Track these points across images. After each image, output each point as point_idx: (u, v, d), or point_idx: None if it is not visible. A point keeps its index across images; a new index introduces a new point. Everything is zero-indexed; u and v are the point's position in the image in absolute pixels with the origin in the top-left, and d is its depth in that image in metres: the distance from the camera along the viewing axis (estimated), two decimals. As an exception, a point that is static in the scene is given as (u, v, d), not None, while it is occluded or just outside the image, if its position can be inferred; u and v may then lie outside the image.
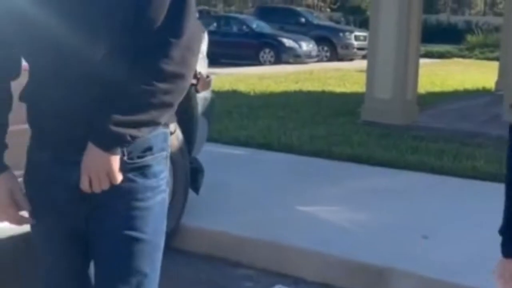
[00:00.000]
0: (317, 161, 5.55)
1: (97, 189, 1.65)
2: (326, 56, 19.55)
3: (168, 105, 1.65)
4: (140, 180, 1.71)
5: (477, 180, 4.95)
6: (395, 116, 7.12)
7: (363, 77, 9.52)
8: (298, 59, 17.51)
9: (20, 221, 1.79)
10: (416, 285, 3.27)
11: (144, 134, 1.65)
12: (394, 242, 3.68)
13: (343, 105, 8.63)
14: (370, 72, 7.51)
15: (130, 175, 1.69)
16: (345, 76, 13.60)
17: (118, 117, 1.60)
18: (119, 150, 1.65)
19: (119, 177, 1.66)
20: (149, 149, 1.71)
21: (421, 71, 7.97)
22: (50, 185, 1.73)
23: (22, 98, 1.74)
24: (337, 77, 13.24)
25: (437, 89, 11.24)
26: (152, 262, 1.77)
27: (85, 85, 1.63)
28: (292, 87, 10.91)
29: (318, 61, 18.32)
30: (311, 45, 18.38)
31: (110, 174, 1.64)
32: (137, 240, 1.72)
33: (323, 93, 10.42)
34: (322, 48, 19.47)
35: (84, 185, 1.66)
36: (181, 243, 3.76)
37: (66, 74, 1.63)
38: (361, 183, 4.97)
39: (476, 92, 11.11)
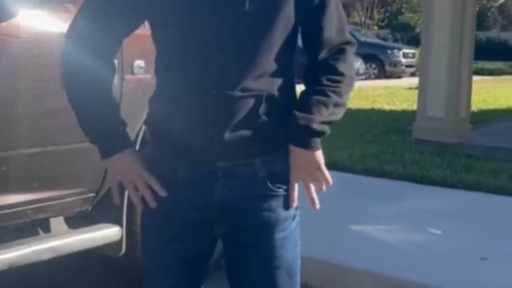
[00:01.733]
0: (370, 180, 5.50)
1: (314, 192, 1.72)
2: (374, 74, 19.42)
3: (345, 105, 1.71)
4: (280, 211, 1.72)
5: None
6: (447, 134, 7.01)
7: (412, 94, 9.45)
8: (346, 76, 17.39)
9: (149, 195, 1.71)
10: (476, 308, 3.20)
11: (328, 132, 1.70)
12: (452, 263, 3.61)
13: (393, 123, 8.55)
14: (422, 89, 7.42)
15: (273, 205, 1.70)
16: (394, 93, 13.48)
17: (319, 116, 1.64)
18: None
19: (328, 175, 1.73)
20: (284, 182, 1.72)
21: (473, 88, 7.85)
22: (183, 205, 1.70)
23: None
24: (386, 95, 13.13)
25: (489, 106, 11.04)
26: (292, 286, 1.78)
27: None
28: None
29: (365, 79, 18.22)
30: (358, 63, 18.28)
31: (321, 171, 1.71)
32: (279, 267, 1.73)
33: (372, 110, 10.35)
34: (370, 66, 19.37)
35: (293, 196, 1.71)
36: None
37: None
38: (415, 202, 4.89)
39: (529, 110, 10.86)
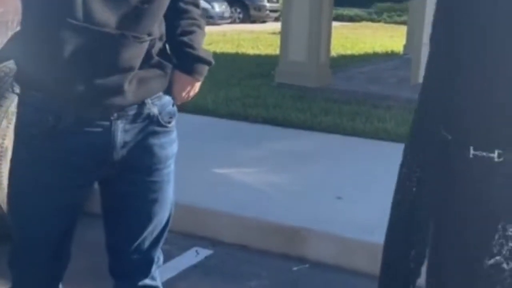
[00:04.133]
0: (233, 123, 5.55)
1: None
2: (238, 18, 19.45)
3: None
4: (169, 148, 1.84)
5: (388, 142, 5.10)
6: (308, 79, 7.20)
7: (276, 39, 9.56)
8: (211, 20, 17.31)
9: None
10: (331, 244, 3.35)
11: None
12: (310, 203, 3.75)
13: (257, 67, 8.64)
14: (284, 34, 7.54)
15: (163, 141, 1.81)
16: (259, 38, 13.60)
17: (199, 45, 1.84)
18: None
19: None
20: (174, 114, 1.85)
21: (332, 34, 8.07)
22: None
23: None
24: (250, 39, 13.22)
25: (348, 52, 11.44)
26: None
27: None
28: (205, 48, 10.80)
29: (231, 23, 18.21)
30: (223, 6, 18.22)
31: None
32: (162, 202, 1.85)
33: (237, 55, 10.38)
34: (235, 10, 19.36)
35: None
36: (89, 207, 3.68)
37: None
38: (276, 145, 5.01)
39: (386, 55, 11.38)
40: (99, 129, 1.68)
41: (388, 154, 5.08)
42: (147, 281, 1.93)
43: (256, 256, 3.42)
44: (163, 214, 1.87)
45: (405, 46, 11.03)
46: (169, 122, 1.81)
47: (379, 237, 3.35)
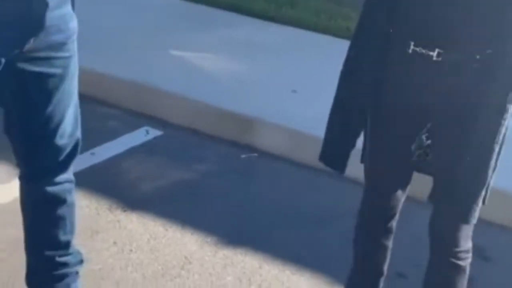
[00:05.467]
0: (195, 6, 5.39)
1: None
2: None
3: None
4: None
5: (349, 40, 5.04)
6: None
7: None
8: None
9: None
10: (282, 136, 3.36)
11: None
12: (264, 94, 3.72)
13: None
14: None
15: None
16: None
17: None
18: None
19: None
20: None
21: None
22: None
23: None
24: None
25: None
26: None
27: None
28: None
29: None
30: None
31: None
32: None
33: None
34: None
35: None
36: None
37: None
38: (236, 33, 4.90)
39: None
40: None
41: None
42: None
43: (205, 141, 3.42)
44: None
45: None
46: None
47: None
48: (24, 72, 1.75)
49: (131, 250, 2.54)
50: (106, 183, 2.94)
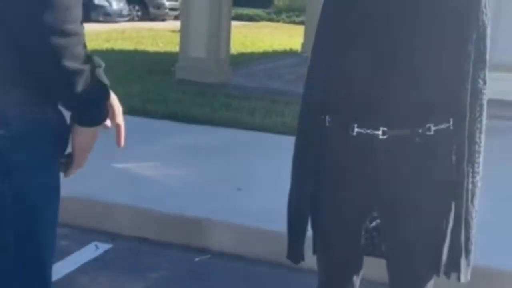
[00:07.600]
0: (133, 119, 5.48)
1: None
2: (137, 16, 19.23)
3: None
4: None
5: (286, 135, 5.20)
6: (209, 75, 7.23)
7: (176, 37, 9.51)
8: (109, 17, 17.05)
9: None
10: (232, 234, 3.39)
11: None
12: (210, 195, 3.78)
13: (157, 64, 8.59)
14: (184, 31, 7.53)
15: None
16: (158, 35, 13.50)
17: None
18: None
19: None
20: None
21: (232, 33, 8.14)
22: None
23: None
24: (149, 37, 13.11)
25: (248, 50, 11.57)
26: None
27: None
28: (104, 45, 10.62)
29: (129, 21, 17.98)
30: (121, 4, 17.95)
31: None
32: None
33: (136, 52, 10.27)
34: (133, 7, 19.13)
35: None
36: None
37: None
38: (176, 140, 5.01)
39: (284, 53, 11.59)
40: None
41: (286, 146, 5.21)
42: None
43: (156, 249, 3.41)
44: None
45: (303, 45, 11.28)
46: None
47: (277, 225, 3.43)
48: None
49: None
50: (60, 304, 2.88)
